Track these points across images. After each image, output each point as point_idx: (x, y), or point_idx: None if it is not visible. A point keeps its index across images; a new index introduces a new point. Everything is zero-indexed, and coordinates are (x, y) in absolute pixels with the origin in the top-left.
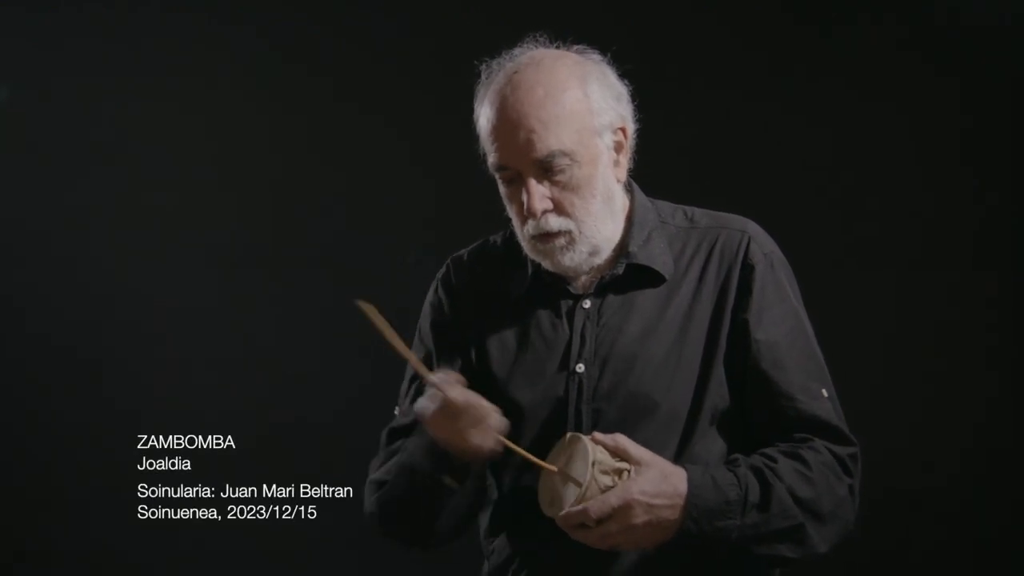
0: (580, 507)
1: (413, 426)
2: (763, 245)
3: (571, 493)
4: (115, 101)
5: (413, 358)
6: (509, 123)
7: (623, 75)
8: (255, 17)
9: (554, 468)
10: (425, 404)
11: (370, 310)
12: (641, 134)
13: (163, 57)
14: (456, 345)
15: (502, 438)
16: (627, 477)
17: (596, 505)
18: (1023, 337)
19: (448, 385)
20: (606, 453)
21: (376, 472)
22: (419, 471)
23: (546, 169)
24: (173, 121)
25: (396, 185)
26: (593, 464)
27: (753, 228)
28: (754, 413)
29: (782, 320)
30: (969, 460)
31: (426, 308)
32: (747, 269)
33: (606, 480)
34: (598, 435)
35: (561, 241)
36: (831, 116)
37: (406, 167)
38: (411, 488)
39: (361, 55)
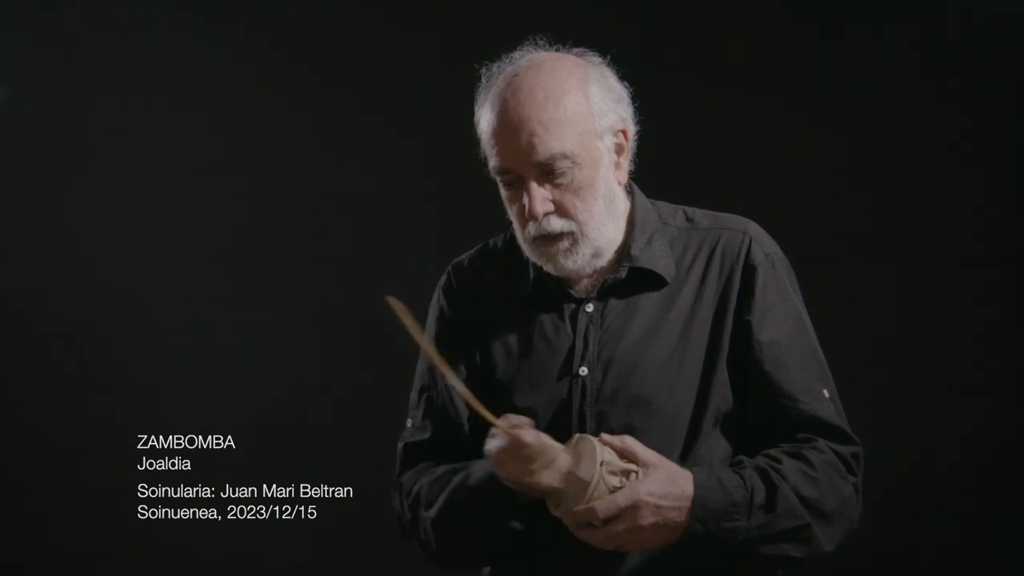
0: (587, 506)
1: (433, 442)
2: (764, 245)
3: (579, 493)
4: (115, 101)
5: (477, 403)
6: (510, 126)
7: (623, 77)
8: (256, 17)
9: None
10: (495, 448)
11: (400, 309)
12: (641, 135)
13: (163, 57)
14: (460, 352)
15: (564, 470)
16: (635, 478)
17: (603, 505)
18: None
19: (520, 429)
20: (614, 454)
21: (421, 504)
22: (489, 514)
23: (547, 172)
24: (173, 121)
25: (396, 186)
26: (601, 464)
27: (754, 229)
28: (757, 414)
29: (784, 320)
30: (969, 459)
31: (430, 318)
32: (749, 270)
33: (614, 481)
34: (606, 436)
35: (564, 244)
36: (831, 116)
37: (406, 168)
38: (480, 529)
39: (361, 55)
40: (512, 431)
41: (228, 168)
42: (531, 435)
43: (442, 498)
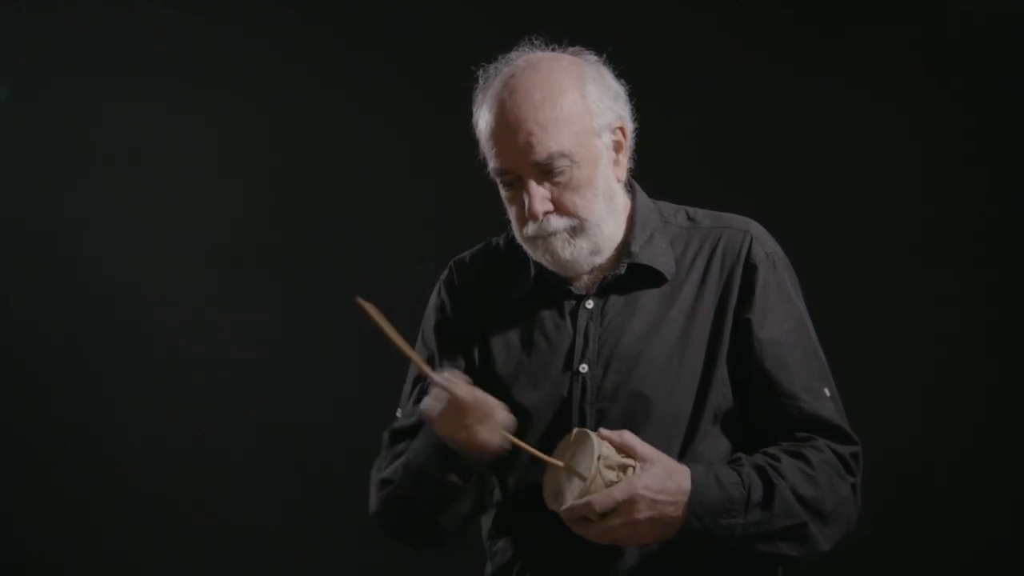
0: (584, 500)
1: (417, 428)
2: (765, 245)
3: (576, 487)
4: (115, 101)
5: (415, 356)
6: (508, 127)
7: (623, 76)
8: (256, 17)
9: (560, 463)
10: (431, 403)
11: (371, 309)
12: (644, 135)
13: (163, 57)
14: (459, 347)
15: (507, 434)
16: (632, 473)
17: (600, 499)
18: None
19: (453, 383)
20: (612, 449)
21: (381, 472)
22: (425, 470)
23: (546, 171)
24: (173, 121)
25: (396, 186)
26: (599, 459)
27: (755, 228)
28: (757, 412)
29: (785, 319)
30: (969, 460)
31: (429, 311)
32: (750, 269)
33: (611, 475)
34: (604, 431)
35: (564, 234)
36: (834, 116)
37: (406, 168)
38: (417, 487)
39: (361, 55)
40: (445, 384)
41: (228, 168)
42: (463, 389)
43: (399, 469)
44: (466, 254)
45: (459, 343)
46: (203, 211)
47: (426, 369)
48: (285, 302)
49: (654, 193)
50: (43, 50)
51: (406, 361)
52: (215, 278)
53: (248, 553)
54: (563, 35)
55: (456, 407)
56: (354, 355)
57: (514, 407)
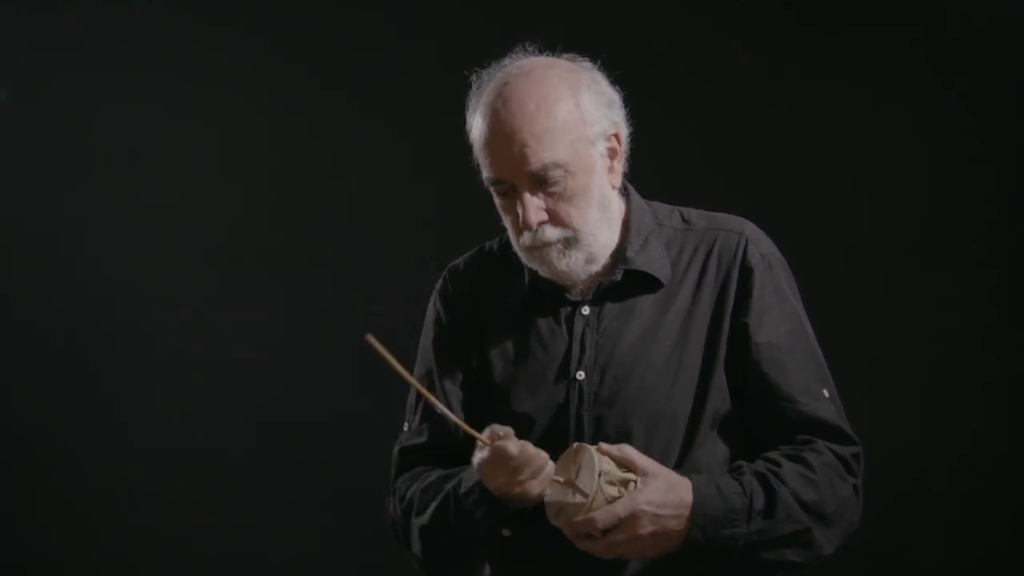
0: (587, 517)
1: (428, 447)
2: (761, 246)
3: (578, 503)
4: (115, 101)
5: (449, 412)
6: (502, 137)
7: (624, 77)
8: (256, 17)
9: (561, 478)
10: (480, 460)
11: (383, 349)
12: (644, 134)
13: (163, 57)
14: (457, 358)
15: (554, 479)
16: (633, 488)
17: (602, 515)
18: None
19: (505, 442)
20: (612, 464)
21: (413, 510)
22: (477, 522)
23: (540, 181)
24: (173, 121)
25: (396, 186)
26: (600, 475)
27: (751, 229)
28: (756, 416)
29: (782, 321)
30: (968, 463)
31: (427, 324)
32: (746, 271)
33: (612, 491)
34: (604, 445)
35: (558, 245)
36: (837, 116)
37: (406, 168)
38: (467, 538)
39: (361, 55)
40: (496, 444)
41: (228, 168)
42: (515, 446)
43: (433, 505)
44: (459, 261)
45: (457, 355)
46: (203, 211)
47: (473, 432)
48: (285, 302)
49: (656, 194)
50: (43, 50)
51: (406, 363)
52: (215, 278)
53: (248, 553)
54: (564, 35)
55: (510, 465)
56: (354, 355)
57: (512, 415)
